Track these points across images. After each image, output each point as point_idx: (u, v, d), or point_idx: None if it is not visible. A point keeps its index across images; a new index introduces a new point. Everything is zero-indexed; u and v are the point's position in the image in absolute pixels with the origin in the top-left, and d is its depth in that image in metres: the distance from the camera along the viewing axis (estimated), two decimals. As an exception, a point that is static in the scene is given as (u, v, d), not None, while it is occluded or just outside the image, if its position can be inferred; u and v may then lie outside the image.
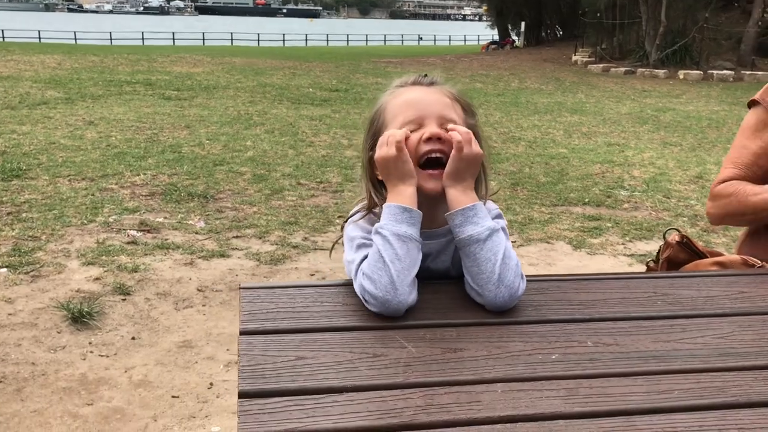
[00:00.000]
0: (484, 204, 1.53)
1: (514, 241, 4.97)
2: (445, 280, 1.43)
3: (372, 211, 1.46)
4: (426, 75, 1.50)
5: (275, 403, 0.98)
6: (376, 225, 1.35)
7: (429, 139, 1.38)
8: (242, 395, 1.01)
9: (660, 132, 10.09)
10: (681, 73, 18.86)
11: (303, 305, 1.29)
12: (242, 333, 1.18)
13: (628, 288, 1.44)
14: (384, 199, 1.44)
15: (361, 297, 1.29)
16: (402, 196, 1.36)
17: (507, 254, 1.33)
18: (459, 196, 1.37)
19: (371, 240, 1.36)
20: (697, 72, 18.79)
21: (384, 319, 1.25)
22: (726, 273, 1.60)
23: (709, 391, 1.06)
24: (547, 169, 7.34)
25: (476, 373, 1.09)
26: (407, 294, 1.28)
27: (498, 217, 1.54)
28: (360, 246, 1.38)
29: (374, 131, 1.47)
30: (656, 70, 19.35)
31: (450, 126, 1.40)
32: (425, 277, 1.46)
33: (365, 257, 1.33)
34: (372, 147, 1.46)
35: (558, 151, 8.39)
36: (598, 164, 7.68)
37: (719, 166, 7.83)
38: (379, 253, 1.29)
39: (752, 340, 1.24)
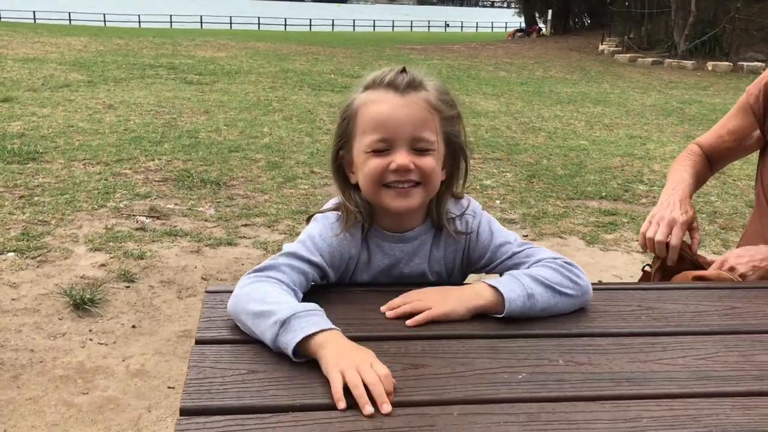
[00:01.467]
0: (462, 201, 1.48)
1: (526, 235, 4.89)
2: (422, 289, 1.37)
3: (350, 214, 1.40)
4: (403, 69, 1.40)
5: (215, 423, 0.94)
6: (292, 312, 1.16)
7: (396, 171, 1.32)
8: (183, 412, 0.96)
9: (684, 125, 9.88)
10: (709, 65, 18.48)
11: (266, 312, 1.24)
12: (197, 342, 1.14)
13: (611, 300, 1.37)
14: (356, 204, 1.39)
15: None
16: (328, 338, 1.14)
17: (553, 301, 1.31)
18: (483, 305, 1.30)
19: (307, 250, 1.33)
20: (726, 63, 18.41)
21: (350, 330, 1.19)
22: (718, 286, 1.52)
23: (681, 419, 1.00)
24: (565, 161, 7.22)
25: (434, 393, 1.04)
26: None
27: (477, 214, 1.48)
28: (294, 255, 1.33)
29: (342, 133, 1.41)
30: (684, 61, 18.99)
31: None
32: (400, 282, 1.42)
33: (260, 269, 1.28)
34: (340, 148, 1.41)
35: (578, 143, 8.25)
36: (618, 157, 7.54)
37: (743, 161, 7.64)
38: (255, 309, 1.18)
39: (736, 363, 1.17)
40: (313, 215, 1.47)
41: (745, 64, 18.37)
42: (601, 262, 4.50)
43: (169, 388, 2.94)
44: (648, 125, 9.81)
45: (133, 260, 4.10)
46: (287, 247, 1.36)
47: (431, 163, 1.33)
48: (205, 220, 4.86)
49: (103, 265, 4.03)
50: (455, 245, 1.46)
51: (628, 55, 20.57)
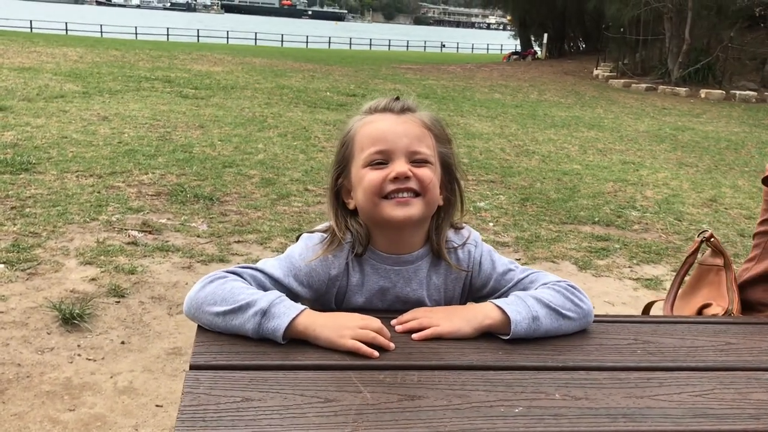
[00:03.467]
0: (463, 231, 1.49)
1: (519, 259, 4.89)
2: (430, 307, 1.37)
3: (336, 237, 1.41)
4: (398, 98, 1.44)
5: (209, 452, 0.93)
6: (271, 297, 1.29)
7: (396, 179, 1.34)
8: (177, 441, 0.95)
9: (677, 152, 9.95)
10: (702, 92, 18.65)
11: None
12: (191, 367, 1.13)
13: (607, 333, 1.37)
14: (350, 232, 1.41)
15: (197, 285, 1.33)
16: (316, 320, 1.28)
17: (556, 324, 1.34)
18: (489, 324, 1.33)
19: (282, 281, 1.38)
20: (719, 91, 18.58)
21: (344, 358, 1.19)
22: (713, 320, 1.53)
23: (678, 458, 0.99)
24: (558, 185, 7.24)
25: (431, 426, 1.03)
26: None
27: (479, 244, 1.49)
28: (262, 271, 1.38)
29: (341, 158, 1.43)
30: (677, 88, 19.16)
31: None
32: (396, 308, 1.41)
33: (222, 273, 1.33)
34: (339, 175, 1.42)
35: (571, 167, 8.29)
36: (611, 182, 7.58)
37: (735, 189, 7.71)
38: (227, 294, 1.28)
39: (732, 400, 1.16)
40: (300, 235, 1.49)
41: (738, 92, 18.55)
42: (593, 288, 4.51)
43: (157, 406, 2.91)
44: (641, 151, 9.87)
45: (124, 275, 4.08)
46: (262, 263, 1.41)
47: (429, 173, 1.36)
48: (198, 236, 4.85)
49: (93, 279, 4.00)
50: (456, 274, 1.46)
51: (622, 81, 20.74)
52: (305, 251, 1.42)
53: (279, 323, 1.22)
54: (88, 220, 4.95)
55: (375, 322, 1.26)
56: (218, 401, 1.04)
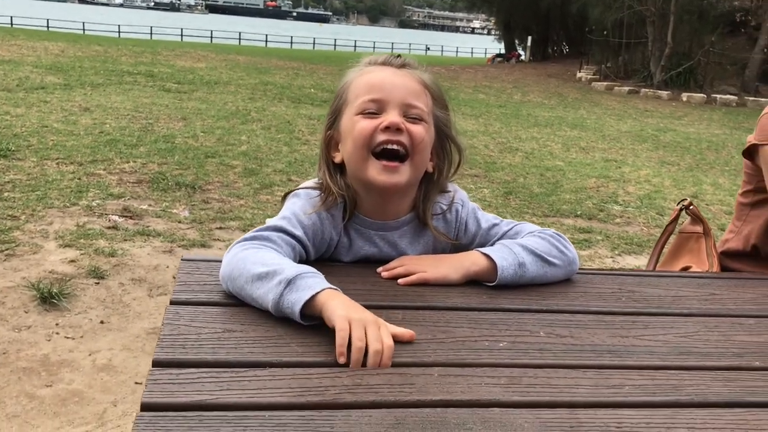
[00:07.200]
0: (448, 192, 1.47)
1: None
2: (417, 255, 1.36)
3: (325, 192, 1.37)
4: (399, 56, 1.42)
5: (189, 374, 0.91)
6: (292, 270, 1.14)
7: (387, 129, 1.29)
8: (155, 364, 0.94)
9: (659, 151, 10.02)
10: (684, 96, 18.83)
11: (244, 279, 1.21)
12: (171, 303, 1.11)
13: (592, 283, 1.36)
14: (339, 186, 1.36)
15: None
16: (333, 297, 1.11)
17: (542, 271, 1.33)
18: (476, 271, 1.31)
19: (291, 224, 1.30)
20: (701, 95, 18.77)
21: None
22: (698, 275, 1.53)
23: (663, 388, 0.99)
24: (541, 180, 7.27)
25: (415, 356, 1.02)
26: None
27: (466, 203, 1.48)
28: (282, 230, 1.29)
29: (335, 108, 1.40)
30: (660, 91, 19.33)
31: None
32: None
33: (249, 238, 1.25)
34: (331, 125, 1.39)
35: (554, 164, 8.32)
36: (594, 178, 7.61)
37: (715, 186, 7.77)
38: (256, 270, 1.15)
39: (717, 341, 1.16)
40: (290, 192, 1.43)
41: (719, 96, 18.75)
42: (575, 276, 4.51)
43: (136, 383, 2.87)
44: (623, 150, 9.93)
45: (104, 257, 4.03)
46: (272, 221, 1.33)
47: (423, 131, 1.31)
48: (179, 222, 4.80)
49: (73, 261, 3.94)
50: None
51: (605, 83, 20.89)
52: (307, 207, 1.35)
53: (301, 296, 1.07)
54: (68, 204, 4.89)
55: (390, 341, 1.03)
56: (199, 332, 1.02)
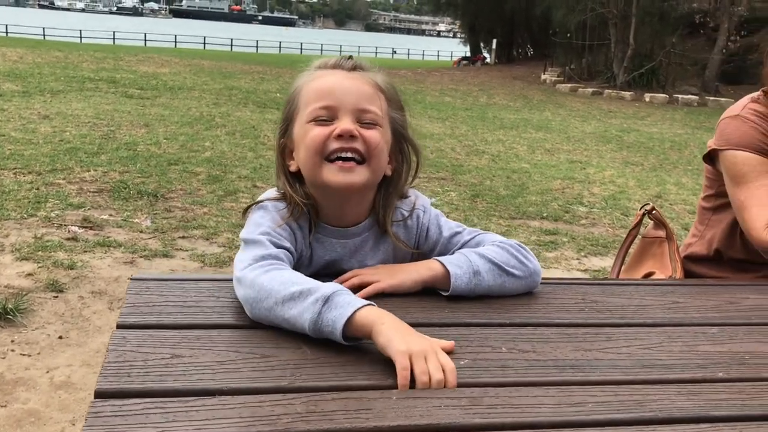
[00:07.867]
0: (410, 198, 1.43)
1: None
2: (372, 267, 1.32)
3: (290, 203, 1.33)
4: (350, 57, 1.38)
5: (133, 405, 0.86)
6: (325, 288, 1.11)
7: (340, 136, 1.25)
8: (98, 395, 0.88)
9: (623, 152, 10.13)
10: (647, 96, 19.11)
11: (196, 300, 1.17)
12: (118, 327, 1.06)
13: (555, 294, 1.34)
14: (300, 194, 1.31)
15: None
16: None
17: (500, 280, 1.30)
18: (432, 276, 1.29)
19: (275, 236, 1.24)
20: (663, 95, 19.06)
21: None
22: (661, 282, 1.52)
23: (627, 404, 0.96)
24: (508, 183, 7.29)
25: (372, 378, 0.98)
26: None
27: (427, 209, 1.45)
28: (257, 243, 1.24)
29: (287, 116, 1.35)
30: (623, 92, 19.59)
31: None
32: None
33: (260, 258, 1.19)
34: (284, 133, 1.35)
35: (520, 166, 8.36)
36: (559, 180, 7.66)
37: (679, 186, 7.87)
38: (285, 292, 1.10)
39: (680, 352, 1.15)
40: (252, 205, 1.38)
41: (680, 96, 19.06)
42: (542, 279, 4.52)
43: (95, 400, 2.79)
44: (588, 151, 10.02)
45: (63, 270, 3.93)
46: (252, 235, 1.26)
47: (378, 136, 1.27)
48: (141, 232, 4.71)
49: (30, 274, 3.84)
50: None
51: (569, 85, 21.11)
52: (277, 220, 1.30)
53: (342, 312, 1.04)
54: (25, 216, 4.76)
55: (451, 364, 1.02)
56: (146, 358, 0.98)
